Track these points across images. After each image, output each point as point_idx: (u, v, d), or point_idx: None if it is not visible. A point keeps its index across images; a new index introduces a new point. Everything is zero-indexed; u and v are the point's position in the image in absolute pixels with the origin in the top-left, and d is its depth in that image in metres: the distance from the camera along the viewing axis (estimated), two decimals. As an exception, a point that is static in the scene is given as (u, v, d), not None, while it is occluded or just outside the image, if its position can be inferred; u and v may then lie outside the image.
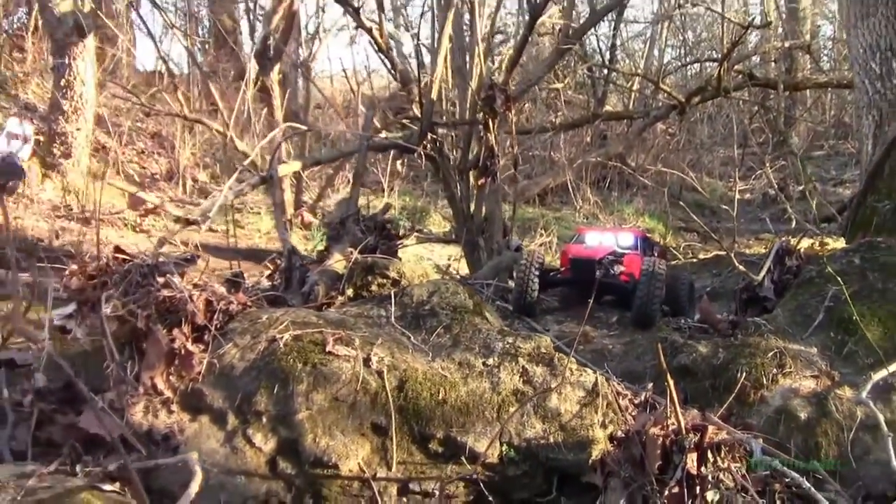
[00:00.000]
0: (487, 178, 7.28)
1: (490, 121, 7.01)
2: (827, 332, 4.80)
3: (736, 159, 20.90)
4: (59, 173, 12.77)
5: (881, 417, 3.99)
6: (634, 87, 19.68)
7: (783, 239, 5.86)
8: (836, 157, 21.89)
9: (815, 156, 21.68)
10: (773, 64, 18.63)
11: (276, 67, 12.50)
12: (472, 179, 7.57)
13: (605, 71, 17.92)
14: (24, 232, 9.86)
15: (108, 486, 3.49)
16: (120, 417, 3.89)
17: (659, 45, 21.49)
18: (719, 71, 11.64)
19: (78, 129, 12.71)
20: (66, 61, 12.46)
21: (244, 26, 21.37)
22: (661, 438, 3.95)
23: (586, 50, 18.21)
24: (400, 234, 6.17)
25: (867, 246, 5.44)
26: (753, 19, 19.53)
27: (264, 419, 3.98)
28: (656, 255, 6.19)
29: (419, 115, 7.29)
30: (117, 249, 4.33)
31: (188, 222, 5.28)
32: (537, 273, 5.80)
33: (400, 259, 5.97)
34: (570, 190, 19.46)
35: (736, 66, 14.24)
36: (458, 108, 8.61)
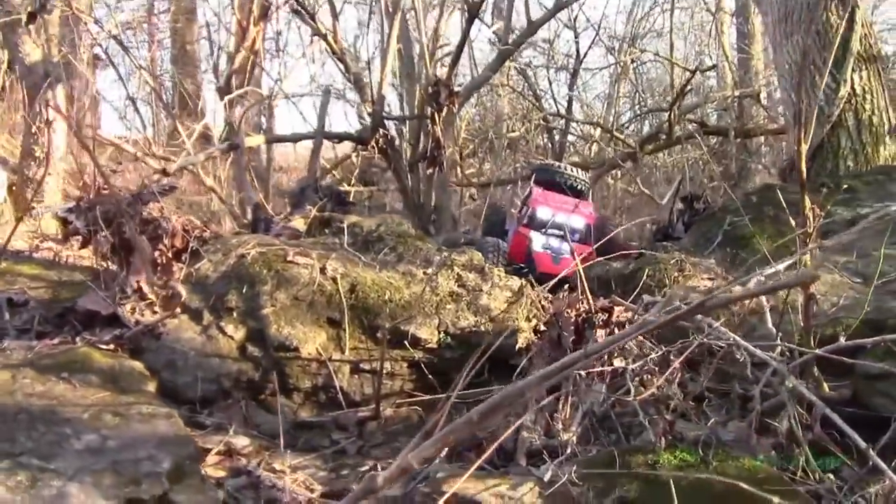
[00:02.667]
0: (435, 168, 8.06)
1: (436, 114, 7.77)
2: (724, 248, 5.54)
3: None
4: (32, 217, 13.30)
5: (765, 302, 4.65)
6: (594, 138, 20.36)
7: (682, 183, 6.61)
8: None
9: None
10: (724, 112, 19.30)
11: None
12: (421, 171, 8.27)
13: (563, 121, 18.54)
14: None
15: (104, 346, 4.15)
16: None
17: (614, 97, 22.24)
18: (669, 117, 12.25)
19: (49, 175, 13.24)
20: (37, 108, 13.04)
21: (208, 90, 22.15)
22: (574, 317, 4.64)
23: (542, 105, 18.92)
24: (352, 200, 6.89)
25: (765, 188, 6.21)
26: (700, 64, 20.33)
27: (235, 314, 4.62)
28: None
29: (371, 114, 8.02)
30: (106, 184, 5.00)
31: (164, 172, 5.92)
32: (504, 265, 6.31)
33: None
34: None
35: (688, 115, 14.79)
36: (407, 107, 9.32)
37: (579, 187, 7.20)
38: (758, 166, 23.52)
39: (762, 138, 18.30)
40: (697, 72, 13.65)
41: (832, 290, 4.88)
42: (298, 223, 6.27)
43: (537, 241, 6.48)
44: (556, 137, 19.01)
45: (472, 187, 19.22)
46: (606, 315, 4.63)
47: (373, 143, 7.86)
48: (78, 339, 4.27)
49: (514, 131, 21.73)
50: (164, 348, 4.44)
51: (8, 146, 16.03)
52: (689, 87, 13.40)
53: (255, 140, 7.20)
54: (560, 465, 3.49)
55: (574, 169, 7.65)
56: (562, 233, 6.51)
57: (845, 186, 6.30)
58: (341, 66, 8.39)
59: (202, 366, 4.45)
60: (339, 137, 8.37)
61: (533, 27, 9.43)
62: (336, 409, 4.54)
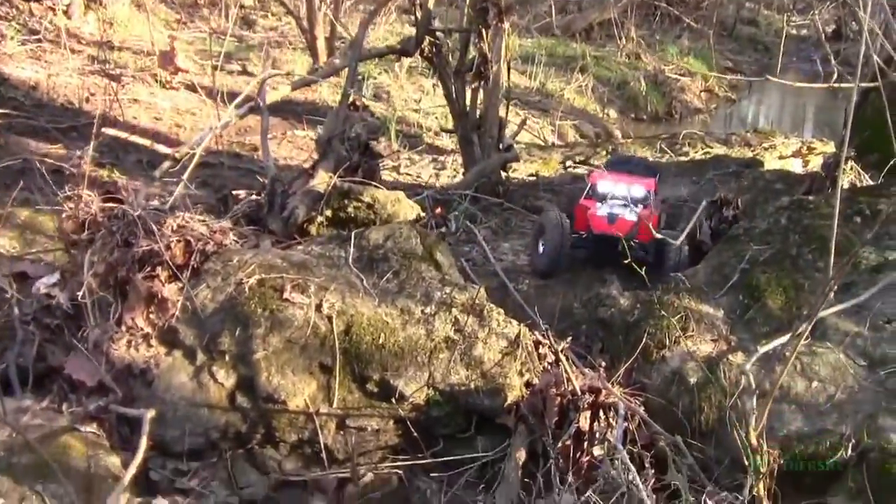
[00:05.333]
0: (481, 82, 7.88)
1: (483, 30, 7.53)
2: (736, 295, 5.32)
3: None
4: (100, 5, 13.19)
5: (753, 386, 4.48)
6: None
7: (716, 196, 6.36)
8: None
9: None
10: None
11: None
12: (468, 80, 8.04)
13: None
14: (55, 91, 10.27)
15: (86, 428, 4.26)
16: (103, 354, 4.58)
17: None
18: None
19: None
20: None
21: None
22: (559, 398, 4.63)
23: None
24: (383, 153, 6.73)
25: (797, 205, 5.88)
26: None
27: (227, 357, 4.65)
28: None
29: (415, 25, 7.72)
30: (107, 197, 4.93)
31: (173, 159, 5.80)
32: (570, 241, 6.21)
33: (380, 180, 6.59)
34: (615, 26, 19.57)
35: None
36: (459, 14, 8.99)
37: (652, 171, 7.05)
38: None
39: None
40: None
41: (831, 376, 4.74)
42: (321, 181, 6.15)
43: (596, 208, 6.31)
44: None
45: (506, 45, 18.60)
46: (593, 397, 4.61)
47: (417, 52, 7.64)
48: (64, 406, 4.38)
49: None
50: (154, 399, 4.52)
51: None
52: None
53: (280, 92, 6.93)
54: None
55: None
56: (623, 202, 6.36)
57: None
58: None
59: (191, 418, 4.54)
60: (380, 54, 8.05)
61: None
62: (320, 466, 4.66)
